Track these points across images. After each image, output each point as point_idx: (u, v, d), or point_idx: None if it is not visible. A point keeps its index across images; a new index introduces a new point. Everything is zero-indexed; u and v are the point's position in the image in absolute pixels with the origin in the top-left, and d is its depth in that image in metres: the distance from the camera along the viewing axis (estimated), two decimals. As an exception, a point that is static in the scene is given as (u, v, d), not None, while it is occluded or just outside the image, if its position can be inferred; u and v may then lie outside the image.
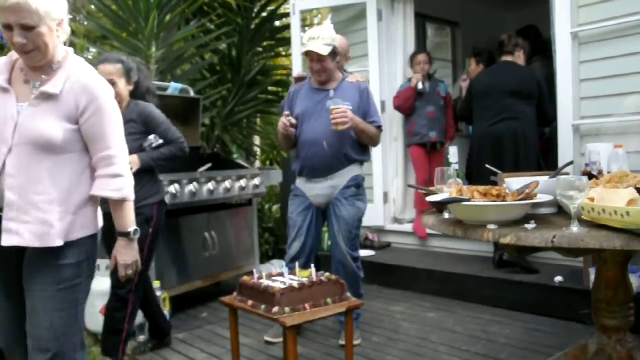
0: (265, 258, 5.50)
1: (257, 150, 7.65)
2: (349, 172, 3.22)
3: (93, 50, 6.92)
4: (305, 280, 2.57)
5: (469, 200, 1.79)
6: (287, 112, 3.17)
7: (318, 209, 3.30)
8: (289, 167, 5.55)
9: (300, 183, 3.34)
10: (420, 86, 4.76)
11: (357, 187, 3.23)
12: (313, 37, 3.09)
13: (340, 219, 3.19)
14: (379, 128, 3.27)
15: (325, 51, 3.07)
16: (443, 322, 3.58)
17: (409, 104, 4.85)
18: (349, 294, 2.69)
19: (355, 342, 3.13)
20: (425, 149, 4.88)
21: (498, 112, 3.90)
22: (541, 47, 5.13)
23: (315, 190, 3.25)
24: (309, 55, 3.12)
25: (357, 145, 3.23)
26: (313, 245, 3.33)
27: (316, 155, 3.18)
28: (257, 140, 7.86)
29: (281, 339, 3.23)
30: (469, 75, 5.17)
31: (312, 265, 2.74)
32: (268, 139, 7.79)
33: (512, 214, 1.81)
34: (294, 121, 3.17)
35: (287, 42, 6.32)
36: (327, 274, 2.69)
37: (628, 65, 3.64)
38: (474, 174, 3.93)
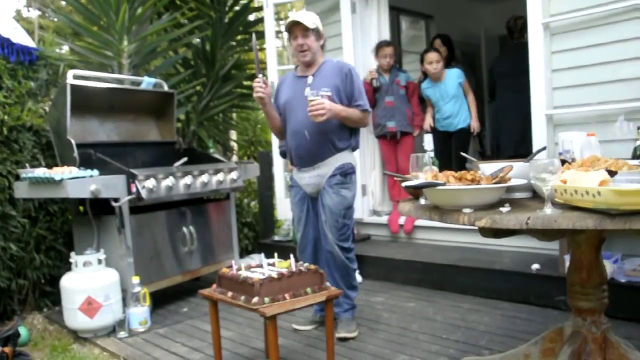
0: (244, 253, 5.49)
1: (234, 145, 7.60)
2: (336, 161, 3.17)
3: (65, 47, 6.82)
4: (284, 270, 2.57)
5: (443, 184, 1.80)
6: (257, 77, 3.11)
7: (312, 197, 3.29)
8: (266, 161, 5.57)
9: (294, 173, 3.35)
10: (375, 83, 4.75)
11: (344, 175, 3.18)
12: (297, 15, 3.11)
13: (325, 207, 3.17)
14: (365, 111, 3.21)
15: (310, 24, 3.08)
16: (423, 311, 3.61)
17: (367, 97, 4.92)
18: (328, 283, 2.70)
19: (351, 335, 3.16)
20: (387, 139, 4.88)
21: (516, 89, 4.64)
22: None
23: (305, 179, 3.25)
24: (292, 32, 3.11)
25: (343, 131, 3.18)
26: (315, 233, 3.32)
27: (300, 145, 3.17)
28: (233, 135, 7.81)
29: (309, 327, 3.36)
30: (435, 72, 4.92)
31: (292, 255, 2.74)
32: (245, 134, 7.75)
33: (487, 197, 1.82)
34: (264, 81, 3.10)
35: (260, 35, 6.28)
36: (307, 264, 2.69)
37: (599, 55, 3.69)
38: (502, 142, 5.09)
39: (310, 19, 3.11)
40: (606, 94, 3.68)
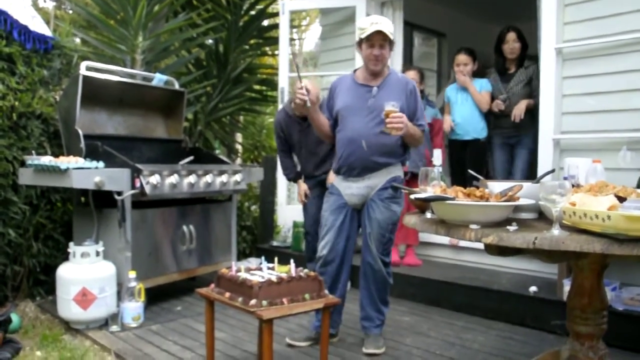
0: (242, 256, 5.48)
1: (239, 147, 7.61)
2: (388, 173, 3.07)
3: (77, 39, 6.86)
4: (284, 274, 2.57)
5: (453, 199, 1.81)
6: (300, 85, 2.95)
7: (353, 209, 3.16)
8: (270, 166, 5.57)
9: (336, 181, 3.20)
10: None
11: (395, 189, 3.05)
12: (375, 22, 2.94)
13: (373, 221, 3.06)
14: (424, 131, 3.15)
15: (391, 36, 2.96)
16: (417, 326, 3.60)
17: None
18: (327, 291, 2.69)
19: (379, 351, 3.09)
20: None
21: None
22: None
23: (351, 189, 3.11)
24: (371, 39, 2.95)
25: (397, 147, 3.08)
26: (347, 246, 3.17)
27: (354, 154, 3.03)
28: (239, 137, 7.83)
29: (304, 343, 3.23)
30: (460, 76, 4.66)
31: (292, 260, 2.73)
32: (251, 138, 7.77)
33: (495, 214, 1.83)
34: (308, 87, 2.95)
35: (274, 41, 6.31)
36: (306, 270, 2.69)
37: (609, 83, 3.72)
38: None
39: (390, 29, 2.97)
40: (613, 122, 3.70)
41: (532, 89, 4.37)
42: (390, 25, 3.00)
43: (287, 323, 3.53)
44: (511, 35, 4.44)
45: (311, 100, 2.99)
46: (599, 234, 1.58)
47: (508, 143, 4.55)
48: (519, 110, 4.30)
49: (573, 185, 2.17)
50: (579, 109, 3.87)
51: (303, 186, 4.08)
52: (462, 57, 4.66)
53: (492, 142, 4.59)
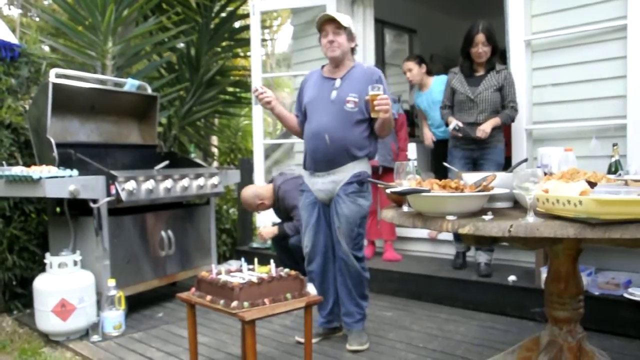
0: (222, 259, 5.46)
1: (215, 150, 7.57)
2: (352, 168, 3.06)
3: (46, 47, 6.75)
4: (264, 275, 2.56)
5: (428, 191, 1.83)
6: (254, 88, 3.09)
7: (323, 204, 3.18)
8: (246, 168, 5.55)
9: (305, 177, 3.23)
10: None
11: (360, 184, 3.05)
12: (330, 12, 3.02)
13: (341, 216, 3.06)
14: (395, 120, 3.16)
15: (343, 22, 2.98)
16: (400, 320, 3.62)
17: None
18: (309, 288, 2.69)
19: (363, 347, 3.10)
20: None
21: None
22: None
23: (317, 184, 3.13)
24: (323, 28, 3.01)
25: (363, 139, 3.07)
26: (326, 241, 3.19)
27: (318, 149, 3.06)
28: (215, 141, 7.79)
29: (314, 339, 3.13)
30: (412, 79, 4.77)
31: (272, 261, 2.73)
32: (227, 141, 7.73)
33: (470, 205, 1.85)
34: (265, 91, 3.06)
35: (246, 42, 6.28)
36: (287, 269, 2.69)
37: (578, 73, 3.80)
38: None
39: (343, 17, 3.02)
40: (582, 112, 3.78)
41: (502, 97, 3.83)
42: (344, 16, 3.06)
43: (271, 324, 3.53)
44: (480, 38, 3.78)
45: (272, 96, 3.09)
46: (572, 219, 1.61)
47: (471, 157, 3.93)
48: (483, 133, 3.73)
49: (546, 174, 2.21)
50: (550, 99, 3.94)
51: (269, 229, 4.42)
52: (406, 64, 4.78)
53: (450, 151, 4.04)
